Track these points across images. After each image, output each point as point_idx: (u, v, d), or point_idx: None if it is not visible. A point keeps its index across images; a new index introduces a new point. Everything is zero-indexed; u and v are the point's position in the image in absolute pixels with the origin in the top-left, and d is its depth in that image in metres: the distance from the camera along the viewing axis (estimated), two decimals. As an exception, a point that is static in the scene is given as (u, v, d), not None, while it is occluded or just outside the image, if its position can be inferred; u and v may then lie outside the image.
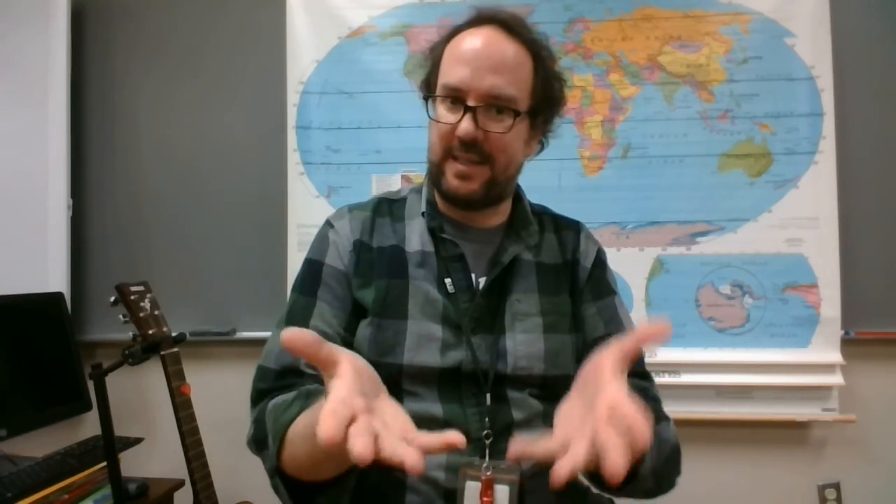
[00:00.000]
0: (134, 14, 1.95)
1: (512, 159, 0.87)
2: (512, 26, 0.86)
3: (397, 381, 0.83)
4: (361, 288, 0.87)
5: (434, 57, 0.89)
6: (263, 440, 0.75)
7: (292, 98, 1.83)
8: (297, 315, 0.86)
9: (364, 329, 0.85)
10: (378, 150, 1.81)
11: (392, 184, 1.80)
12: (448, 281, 0.86)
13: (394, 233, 0.91)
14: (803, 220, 1.70)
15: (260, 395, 0.83)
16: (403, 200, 0.96)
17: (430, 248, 0.89)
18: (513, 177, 0.90)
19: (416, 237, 0.90)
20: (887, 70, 1.74)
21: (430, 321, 0.84)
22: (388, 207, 0.95)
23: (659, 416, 0.84)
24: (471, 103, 0.82)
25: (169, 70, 1.94)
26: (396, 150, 1.80)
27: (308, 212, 1.81)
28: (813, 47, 1.71)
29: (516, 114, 0.84)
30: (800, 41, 1.71)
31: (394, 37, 1.83)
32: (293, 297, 0.90)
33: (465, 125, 0.81)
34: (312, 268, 0.90)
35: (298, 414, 0.67)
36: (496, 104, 0.83)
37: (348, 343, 0.85)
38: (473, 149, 0.83)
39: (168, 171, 1.93)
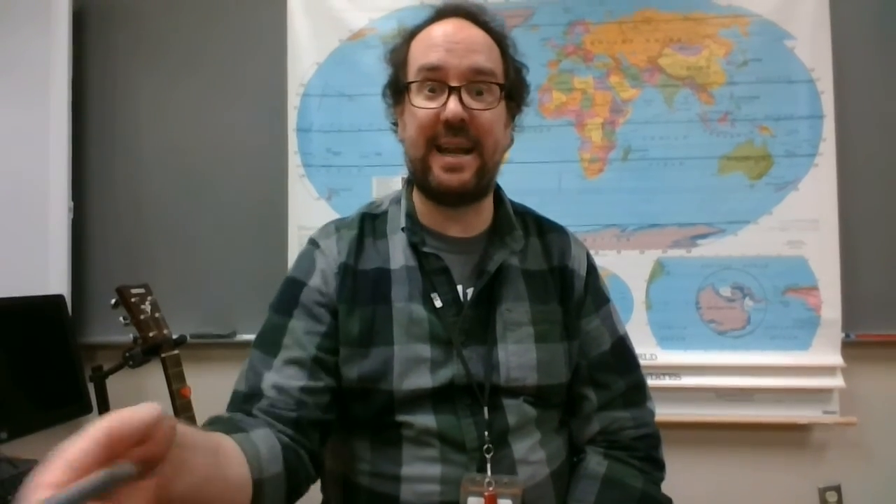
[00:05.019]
0: (135, 16, 1.96)
1: (498, 143, 0.85)
2: (476, 16, 0.86)
3: (390, 405, 0.82)
4: (347, 316, 0.84)
5: (398, 57, 0.88)
6: None
7: (293, 100, 1.84)
8: (269, 335, 0.85)
9: (352, 358, 0.83)
10: (379, 153, 1.81)
11: (393, 185, 1.80)
12: (434, 296, 0.84)
13: (377, 253, 0.88)
14: (804, 223, 1.70)
15: None
16: (384, 214, 0.93)
17: (413, 262, 0.86)
18: (499, 163, 0.87)
19: (399, 254, 0.87)
20: (887, 71, 1.74)
21: (417, 342, 0.82)
22: (371, 223, 0.91)
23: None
24: (454, 83, 0.80)
25: (170, 72, 1.95)
26: (397, 153, 1.76)
27: (309, 214, 1.81)
28: (813, 49, 1.71)
29: (500, 87, 0.82)
30: (800, 43, 1.71)
31: (394, 39, 1.82)
32: (268, 315, 0.88)
33: (453, 106, 0.79)
34: (292, 287, 0.87)
35: None
36: (479, 81, 0.81)
37: (324, 363, 0.82)
38: (461, 133, 0.80)
39: (169, 173, 1.93)
